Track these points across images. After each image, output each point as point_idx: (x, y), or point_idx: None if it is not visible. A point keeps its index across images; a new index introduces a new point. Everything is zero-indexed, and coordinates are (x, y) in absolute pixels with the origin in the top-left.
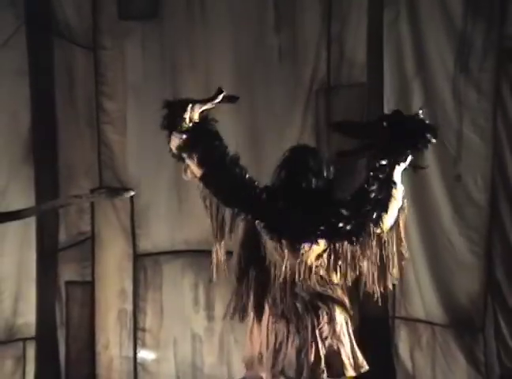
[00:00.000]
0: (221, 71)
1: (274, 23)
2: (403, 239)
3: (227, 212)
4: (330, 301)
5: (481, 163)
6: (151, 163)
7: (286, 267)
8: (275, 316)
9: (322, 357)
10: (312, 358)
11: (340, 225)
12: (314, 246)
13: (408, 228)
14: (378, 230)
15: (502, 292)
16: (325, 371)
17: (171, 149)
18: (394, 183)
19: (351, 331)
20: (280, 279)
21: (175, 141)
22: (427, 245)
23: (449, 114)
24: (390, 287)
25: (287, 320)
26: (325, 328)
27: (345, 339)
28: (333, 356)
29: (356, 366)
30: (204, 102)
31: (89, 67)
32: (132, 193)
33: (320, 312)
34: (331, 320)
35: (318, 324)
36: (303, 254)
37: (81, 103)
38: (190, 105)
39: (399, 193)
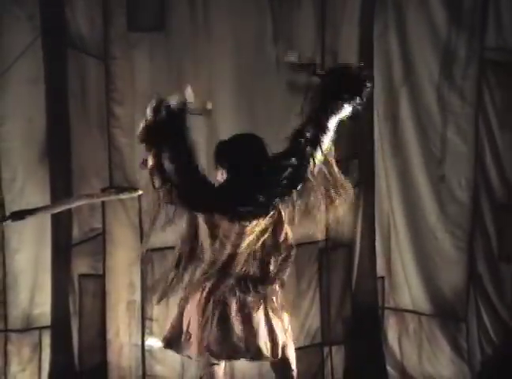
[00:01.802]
0: (223, 79)
1: (272, 35)
2: (338, 175)
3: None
4: (257, 285)
5: (464, 165)
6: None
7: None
8: (203, 297)
9: (243, 338)
10: (235, 338)
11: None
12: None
13: (397, 225)
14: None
15: (483, 284)
16: (247, 351)
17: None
18: (327, 128)
19: (274, 316)
20: (210, 262)
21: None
22: (414, 241)
23: (434, 118)
24: (339, 213)
25: (214, 301)
26: (248, 311)
27: (263, 324)
28: (252, 338)
29: (274, 351)
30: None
31: (100, 76)
32: (140, 193)
33: (244, 296)
34: (251, 305)
35: (241, 306)
36: (244, 229)
37: (93, 109)
38: (166, 104)
39: (328, 138)
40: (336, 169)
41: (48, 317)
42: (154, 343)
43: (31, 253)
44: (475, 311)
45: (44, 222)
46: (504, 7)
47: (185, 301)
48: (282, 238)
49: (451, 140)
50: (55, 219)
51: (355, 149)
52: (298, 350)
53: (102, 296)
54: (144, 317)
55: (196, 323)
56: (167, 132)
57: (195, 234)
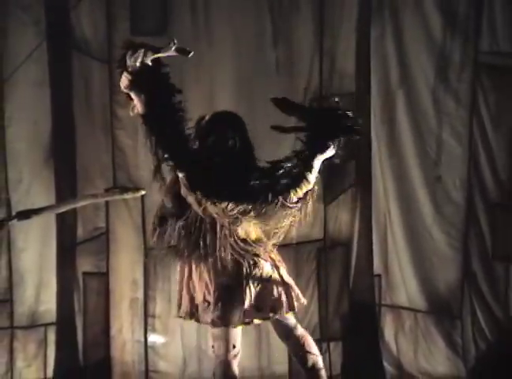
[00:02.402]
0: (223, 82)
1: (272, 39)
2: (307, 215)
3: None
4: (258, 252)
5: (459, 166)
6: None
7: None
8: (212, 265)
9: (253, 298)
10: (246, 303)
11: (256, 187)
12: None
13: (393, 224)
14: (281, 200)
15: (477, 282)
16: (257, 313)
17: (120, 87)
18: (311, 168)
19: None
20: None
21: (124, 80)
22: (410, 240)
23: (430, 121)
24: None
25: (222, 271)
26: (254, 273)
27: (275, 283)
28: (263, 300)
29: (291, 305)
30: (157, 50)
31: (104, 78)
32: (143, 193)
33: (249, 259)
34: (258, 266)
35: (250, 273)
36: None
37: (97, 111)
38: (142, 50)
39: (312, 178)
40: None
41: (53, 314)
42: (156, 339)
43: (36, 251)
44: (469, 308)
45: (49, 221)
46: (498, 12)
47: (187, 268)
48: None
49: (446, 141)
50: (60, 218)
51: (353, 151)
52: None
53: (106, 294)
54: (146, 314)
55: (208, 290)
56: (152, 78)
57: (179, 194)
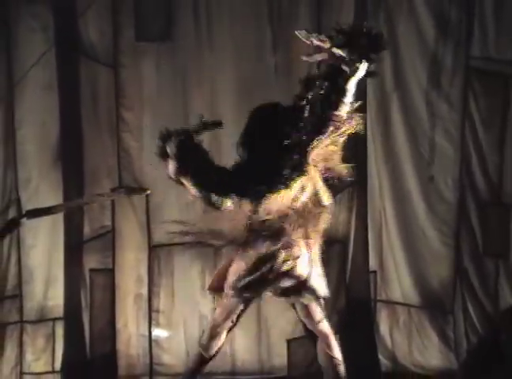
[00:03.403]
0: (225, 86)
1: (271, 45)
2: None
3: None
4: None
5: (451, 166)
6: (164, 165)
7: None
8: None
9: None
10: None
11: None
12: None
13: (388, 223)
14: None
15: (469, 278)
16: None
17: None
18: (347, 90)
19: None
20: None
21: (171, 168)
22: (404, 238)
23: (423, 123)
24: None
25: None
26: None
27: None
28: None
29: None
30: (191, 133)
31: (110, 83)
32: (147, 192)
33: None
34: (290, 248)
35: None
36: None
37: (103, 114)
38: (179, 137)
39: (349, 98)
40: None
41: (61, 309)
42: (160, 333)
43: (45, 249)
44: (461, 303)
45: (57, 220)
46: (488, 19)
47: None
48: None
49: (439, 143)
50: (68, 217)
51: (349, 152)
52: (296, 340)
53: (111, 289)
54: (151, 309)
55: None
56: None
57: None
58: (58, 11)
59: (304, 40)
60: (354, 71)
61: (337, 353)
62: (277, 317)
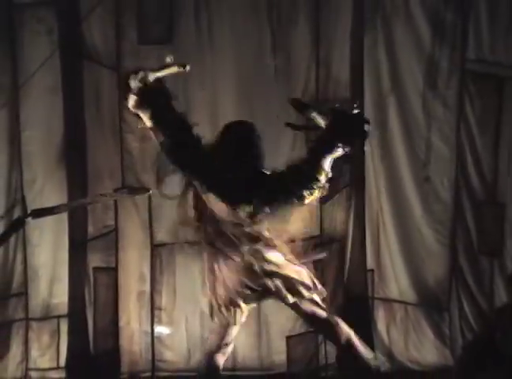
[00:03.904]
0: (225, 88)
1: (271, 47)
2: (311, 213)
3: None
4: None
5: (447, 167)
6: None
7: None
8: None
9: (282, 286)
10: (279, 283)
11: (272, 195)
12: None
13: (385, 222)
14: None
15: (464, 276)
16: (288, 295)
17: (129, 108)
18: (321, 169)
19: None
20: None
21: (131, 101)
22: (401, 237)
23: (419, 124)
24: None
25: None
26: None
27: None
28: (291, 283)
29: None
30: (156, 69)
31: (113, 85)
32: (150, 192)
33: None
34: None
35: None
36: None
37: (106, 116)
38: (142, 72)
39: (323, 178)
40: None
41: (65, 307)
42: (162, 330)
43: (50, 247)
44: (456, 301)
45: (62, 219)
46: (483, 23)
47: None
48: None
49: (435, 144)
50: (72, 216)
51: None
52: (295, 336)
53: (114, 287)
54: (153, 307)
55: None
56: (154, 95)
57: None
58: (63, 15)
59: (303, 114)
60: (334, 152)
61: (346, 329)
62: (277, 313)
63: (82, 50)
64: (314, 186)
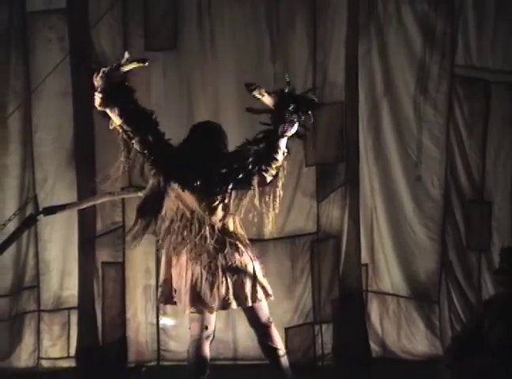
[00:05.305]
0: (227, 93)
1: (270, 54)
2: (278, 194)
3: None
4: (236, 244)
5: (437, 166)
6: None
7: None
8: (191, 258)
9: (231, 289)
10: (223, 291)
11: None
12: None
13: (379, 219)
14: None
15: (453, 270)
16: (233, 301)
17: (96, 108)
18: (277, 147)
19: (255, 268)
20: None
21: (96, 100)
22: (393, 233)
23: (411, 126)
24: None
25: (201, 261)
26: (232, 267)
27: (248, 276)
28: (239, 289)
29: (254, 298)
30: (117, 66)
31: None
32: None
33: (228, 254)
34: (236, 261)
35: (227, 264)
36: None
37: None
38: (102, 70)
39: (280, 156)
40: (279, 186)
41: (75, 299)
42: (167, 321)
43: (60, 243)
44: (446, 294)
45: (72, 216)
46: (471, 31)
47: (174, 255)
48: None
49: (426, 145)
50: (82, 213)
51: (343, 153)
52: (293, 328)
53: (122, 281)
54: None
55: (183, 282)
56: (119, 92)
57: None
58: (73, 23)
59: (255, 95)
60: (286, 131)
61: (279, 343)
62: (275, 305)
63: (91, 56)
64: (272, 165)
